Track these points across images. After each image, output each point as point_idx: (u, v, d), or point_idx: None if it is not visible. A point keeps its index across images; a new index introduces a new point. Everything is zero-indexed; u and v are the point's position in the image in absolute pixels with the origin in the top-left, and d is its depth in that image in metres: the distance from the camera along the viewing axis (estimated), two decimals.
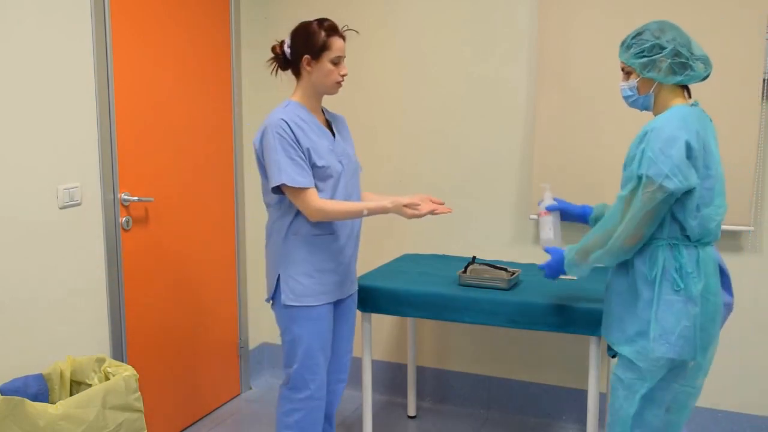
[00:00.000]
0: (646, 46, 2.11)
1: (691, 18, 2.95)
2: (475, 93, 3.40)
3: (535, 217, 3.25)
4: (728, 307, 2.25)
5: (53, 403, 2.40)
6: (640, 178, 2.02)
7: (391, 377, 3.74)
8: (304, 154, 2.41)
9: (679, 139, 2.00)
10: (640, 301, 2.13)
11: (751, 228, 2.99)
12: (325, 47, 2.41)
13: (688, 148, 2.00)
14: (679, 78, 2.11)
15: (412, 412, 3.54)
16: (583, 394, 3.26)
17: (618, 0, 3.04)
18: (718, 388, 3.17)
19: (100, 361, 2.53)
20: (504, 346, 3.51)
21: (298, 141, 2.40)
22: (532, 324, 2.66)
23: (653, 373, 2.11)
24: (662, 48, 2.09)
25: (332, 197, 2.48)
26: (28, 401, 2.17)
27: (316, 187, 2.45)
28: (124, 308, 2.92)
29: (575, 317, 2.58)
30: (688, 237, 2.08)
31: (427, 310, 2.82)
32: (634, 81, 2.16)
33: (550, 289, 2.79)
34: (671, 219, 2.08)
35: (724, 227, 2.98)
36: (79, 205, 2.69)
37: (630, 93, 2.19)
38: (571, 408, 3.41)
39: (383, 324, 3.71)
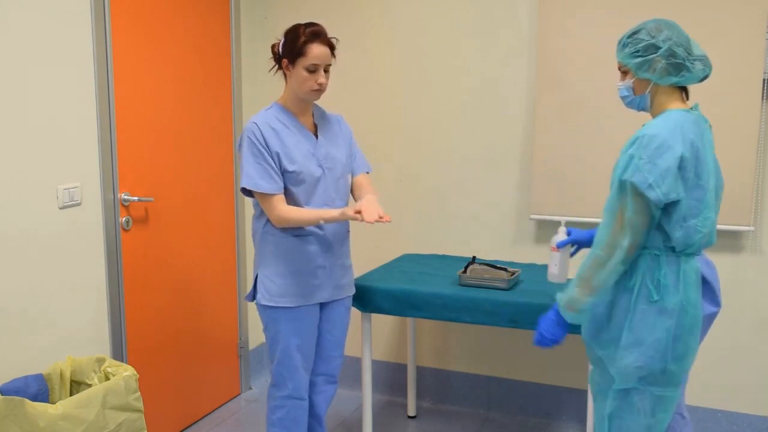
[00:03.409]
0: (641, 45, 2.05)
1: (691, 18, 2.95)
2: (475, 93, 3.40)
3: (536, 217, 3.26)
4: (711, 317, 2.20)
5: (53, 403, 2.40)
6: (623, 183, 1.98)
7: (391, 377, 3.74)
8: (274, 159, 2.41)
9: (672, 149, 1.94)
10: (617, 307, 2.11)
11: (752, 228, 2.99)
12: (300, 53, 2.38)
13: (681, 159, 1.95)
14: (674, 79, 2.06)
15: (412, 412, 3.54)
16: (583, 394, 3.26)
17: (618, 0, 3.04)
18: (718, 389, 3.18)
19: (100, 361, 2.53)
20: (504, 346, 3.51)
21: (267, 145, 2.40)
22: (532, 324, 2.65)
23: (622, 378, 2.09)
24: (657, 48, 2.04)
25: (308, 202, 2.46)
26: (28, 401, 2.17)
27: (289, 191, 2.45)
28: (124, 308, 2.92)
29: None
30: (671, 248, 2.03)
31: (427, 310, 2.82)
32: (630, 81, 2.12)
33: (551, 289, 2.79)
34: (656, 228, 2.04)
35: (724, 227, 2.99)
36: (79, 205, 2.69)
37: (626, 93, 2.14)
38: (571, 408, 3.41)
39: (383, 324, 3.71)
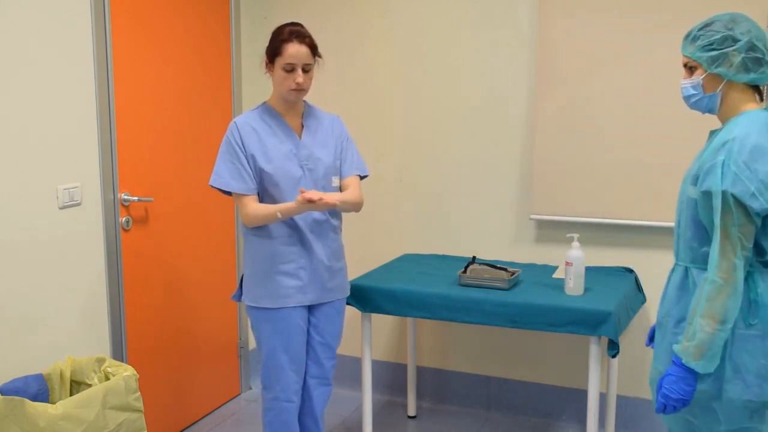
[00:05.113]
0: (716, 37, 1.83)
1: (691, 18, 2.94)
2: (475, 93, 3.40)
3: (536, 217, 3.26)
4: None
5: (53, 403, 2.40)
6: (724, 195, 1.75)
7: (391, 377, 3.74)
8: (248, 160, 2.42)
9: (767, 153, 1.75)
10: None
11: None
12: (277, 53, 2.40)
13: None
14: (752, 76, 1.84)
15: (412, 412, 3.54)
16: (583, 394, 3.26)
17: (619, 0, 3.03)
18: None
19: (100, 361, 2.53)
20: (504, 346, 3.51)
21: (243, 146, 2.43)
22: (532, 324, 2.66)
23: (730, 415, 1.85)
24: (735, 40, 1.82)
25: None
26: (28, 401, 2.17)
27: (270, 192, 2.45)
28: (124, 308, 2.92)
29: (575, 317, 2.58)
30: (763, 263, 1.84)
31: (427, 310, 2.82)
32: (698, 78, 1.88)
33: (550, 290, 2.80)
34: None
35: None
36: (79, 205, 2.69)
37: (693, 92, 1.91)
38: (571, 408, 3.41)
39: (383, 324, 3.71)
